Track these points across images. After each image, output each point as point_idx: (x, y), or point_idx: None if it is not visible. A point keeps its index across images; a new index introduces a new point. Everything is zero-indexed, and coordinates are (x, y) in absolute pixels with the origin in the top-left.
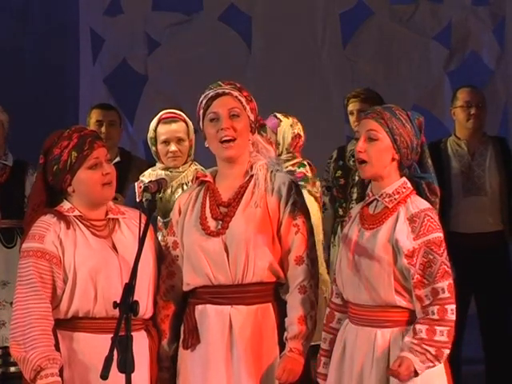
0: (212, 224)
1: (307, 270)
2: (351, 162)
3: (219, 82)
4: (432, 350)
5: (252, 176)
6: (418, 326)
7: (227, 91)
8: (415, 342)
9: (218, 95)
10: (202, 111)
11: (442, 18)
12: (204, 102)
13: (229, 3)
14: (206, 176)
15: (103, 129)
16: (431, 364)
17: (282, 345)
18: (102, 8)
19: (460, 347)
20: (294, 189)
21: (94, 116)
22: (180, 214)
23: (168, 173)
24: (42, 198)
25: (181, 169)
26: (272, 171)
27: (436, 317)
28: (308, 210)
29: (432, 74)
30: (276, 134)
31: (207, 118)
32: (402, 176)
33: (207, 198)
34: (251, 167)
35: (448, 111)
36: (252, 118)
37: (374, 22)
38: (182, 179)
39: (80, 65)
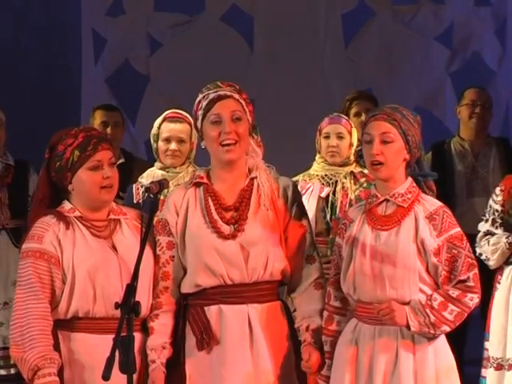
0: (225, 228)
1: (320, 267)
2: (362, 162)
3: (218, 83)
4: (432, 318)
5: (252, 179)
6: (434, 295)
7: (229, 94)
8: (422, 302)
9: (220, 97)
10: (201, 112)
11: (443, 19)
12: (205, 103)
13: (231, 3)
14: (202, 178)
15: (109, 130)
16: (427, 329)
17: (293, 340)
18: (104, 8)
19: (462, 348)
20: (298, 191)
21: (99, 117)
22: (178, 215)
23: (164, 173)
24: (45, 192)
25: (178, 169)
26: (271, 173)
27: (454, 296)
28: (306, 212)
29: (434, 74)
30: (351, 135)
31: (208, 119)
32: (407, 175)
33: (209, 201)
34: (249, 170)
35: (450, 112)
36: (251, 120)
37: (376, 23)
38: (178, 180)
39: (82, 65)
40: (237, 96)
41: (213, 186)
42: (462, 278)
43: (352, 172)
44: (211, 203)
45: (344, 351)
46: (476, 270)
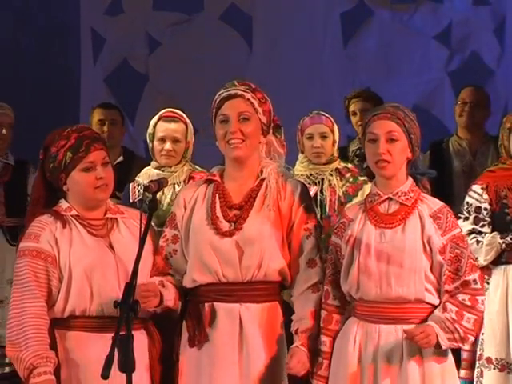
0: (224, 225)
1: (320, 271)
2: (356, 162)
3: (235, 82)
4: (461, 332)
5: (262, 180)
6: (449, 306)
7: (239, 93)
8: (449, 318)
9: (230, 97)
10: (214, 110)
11: (442, 18)
12: (217, 101)
13: (229, 3)
14: (214, 175)
15: (105, 128)
16: (455, 344)
17: (288, 342)
18: (103, 7)
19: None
20: (306, 193)
21: (96, 115)
22: (185, 209)
23: (159, 172)
24: (41, 192)
25: (173, 168)
26: (283, 175)
27: (467, 303)
28: (316, 214)
29: (432, 74)
30: (333, 132)
31: (218, 118)
32: (407, 174)
33: (217, 199)
34: (261, 171)
35: (448, 111)
36: (264, 120)
37: (375, 22)
38: (173, 179)
39: (81, 64)
40: (248, 95)
41: (224, 184)
42: (467, 278)
43: (337, 168)
44: (218, 200)
45: (345, 353)
46: (479, 272)
